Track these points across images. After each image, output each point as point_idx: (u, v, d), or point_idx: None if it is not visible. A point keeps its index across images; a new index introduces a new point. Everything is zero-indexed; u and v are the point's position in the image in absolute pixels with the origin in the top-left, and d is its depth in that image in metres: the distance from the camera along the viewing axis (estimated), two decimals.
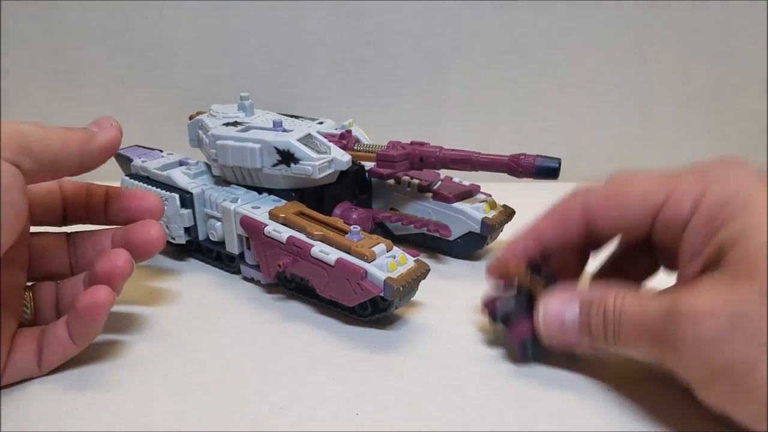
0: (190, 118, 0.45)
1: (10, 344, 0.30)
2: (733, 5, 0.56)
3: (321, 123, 0.43)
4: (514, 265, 0.31)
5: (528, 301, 0.31)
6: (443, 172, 0.43)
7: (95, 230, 0.35)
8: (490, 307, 0.32)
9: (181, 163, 0.44)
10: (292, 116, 0.44)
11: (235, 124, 0.41)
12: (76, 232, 0.35)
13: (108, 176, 0.50)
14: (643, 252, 0.32)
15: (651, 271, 0.33)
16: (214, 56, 0.58)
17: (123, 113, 0.60)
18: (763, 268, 0.23)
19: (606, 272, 0.33)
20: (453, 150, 0.40)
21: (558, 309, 0.29)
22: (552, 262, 0.32)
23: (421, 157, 0.40)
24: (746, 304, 0.22)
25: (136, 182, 0.42)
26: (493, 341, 0.33)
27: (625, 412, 0.28)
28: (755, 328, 0.22)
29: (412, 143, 0.41)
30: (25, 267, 0.32)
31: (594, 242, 0.32)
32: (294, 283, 0.38)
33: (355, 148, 0.41)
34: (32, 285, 0.33)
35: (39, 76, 0.59)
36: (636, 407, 0.28)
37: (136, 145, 0.48)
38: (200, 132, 0.43)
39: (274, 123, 0.40)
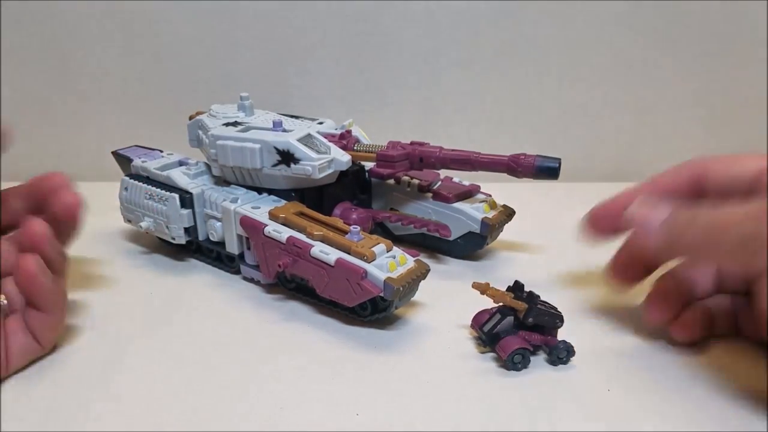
0: (190, 118, 0.45)
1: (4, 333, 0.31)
2: (733, 5, 0.56)
3: (321, 123, 0.43)
4: (490, 288, 0.31)
5: (512, 321, 0.32)
6: (443, 172, 0.43)
7: None
8: (476, 326, 0.33)
9: (181, 163, 0.44)
10: (292, 116, 0.44)
11: (235, 124, 0.41)
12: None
13: (108, 176, 0.50)
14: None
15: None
16: (214, 56, 0.58)
17: (123, 113, 0.61)
18: None
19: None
20: (453, 150, 0.40)
21: (646, 210, 0.30)
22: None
23: (421, 157, 0.40)
24: None
25: (136, 182, 0.42)
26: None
27: (625, 413, 0.28)
28: None
29: (412, 143, 0.41)
30: None
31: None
32: (294, 283, 0.38)
33: (355, 148, 0.41)
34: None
35: (39, 76, 0.59)
36: (636, 407, 0.28)
37: (136, 145, 0.48)
38: (200, 132, 0.43)
39: (274, 123, 0.40)
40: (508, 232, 0.43)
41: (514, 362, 0.31)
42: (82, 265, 0.42)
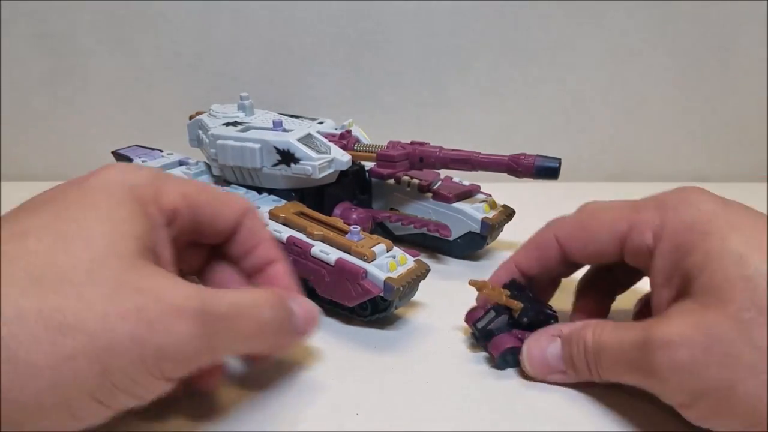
0: (190, 118, 0.45)
1: None
2: (733, 5, 0.56)
3: (321, 123, 0.43)
4: (487, 286, 0.31)
5: (507, 319, 0.31)
6: (443, 172, 0.43)
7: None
8: (470, 322, 0.33)
9: (181, 163, 0.44)
10: (292, 116, 0.44)
11: (235, 123, 0.41)
12: None
13: None
14: (618, 267, 0.32)
15: (628, 283, 0.34)
16: (214, 56, 0.58)
17: (123, 113, 0.61)
18: (730, 292, 0.23)
19: (587, 287, 0.34)
20: (453, 150, 0.40)
21: (541, 347, 0.30)
22: (532, 285, 0.33)
23: (421, 157, 0.40)
24: (718, 328, 0.23)
25: None
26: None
27: (625, 413, 0.28)
28: (729, 350, 0.23)
29: (412, 143, 0.41)
30: None
31: (570, 268, 0.33)
32: None
33: (355, 148, 0.41)
34: None
35: (39, 76, 0.58)
36: (637, 408, 0.28)
37: (136, 145, 0.48)
38: (200, 132, 0.43)
39: (274, 123, 0.40)
40: (508, 232, 0.43)
41: (505, 361, 0.31)
42: None
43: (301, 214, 0.37)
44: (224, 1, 0.56)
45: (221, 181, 0.42)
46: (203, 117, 0.43)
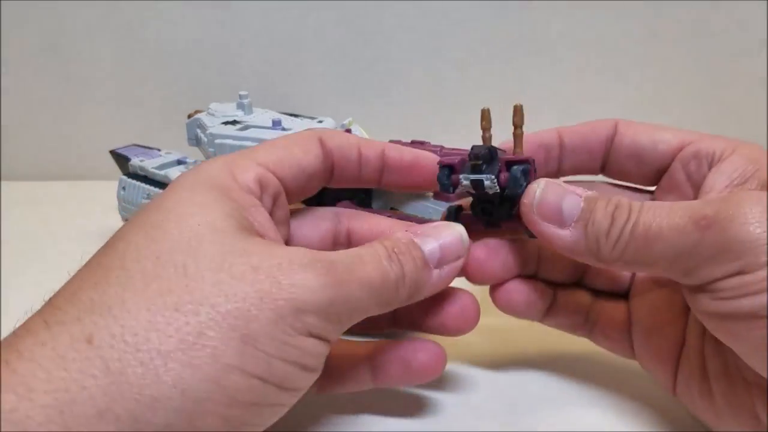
0: (189, 116, 0.44)
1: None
2: (733, 5, 0.55)
3: (321, 122, 0.43)
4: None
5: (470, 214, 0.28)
6: None
7: (347, 352, 0.27)
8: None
9: (179, 162, 0.44)
10: (291, 115, 0.44)
11: (233, 122, 0.41)
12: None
13: (106, 175, 0.50)
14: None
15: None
16: (212, 55, 0.58)
17: (121, 112, 0.60)
18: None
19: None
20: (454, 149, 0.40)
21: (557, 195, 0.24)
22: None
23: None
24: None
25: (134, 181, 0.42)
26: (493, 341, 0.33)
27: (626, 414, 0.28)
28: None
29: (412, 142, 0.41)
30: None
31: (606, 166, 0.29)
32: None
33: None
34: None
35: (37, 75, 0.58)
36: (638, 408, 0.28)
37: (134, 144, 0.48)
38: (199, 131, 0.42)
39: (273, 122, 0.40)
40: None
41: (518, 189, 0.25)
42: (80, 266, 0.42)
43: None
44: (224, 0, 0.56)
45: None
46: (202, 116, 0.43)
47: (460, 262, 0.25)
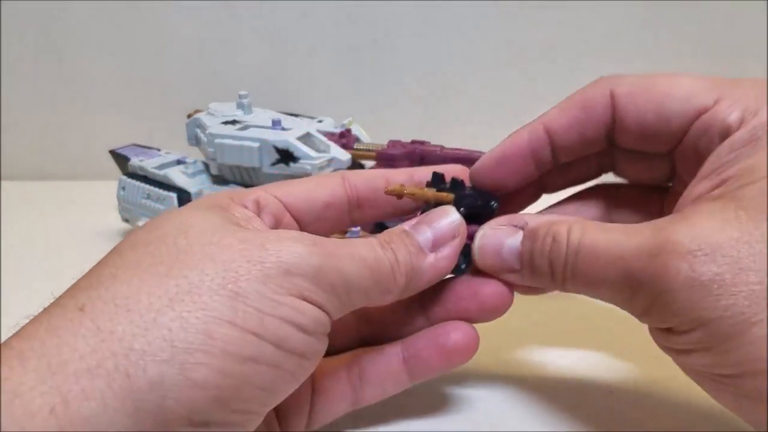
0: (189, 116, 0.44)
1: (310, 390, 0.25)
2: (733, 5, 0.55)
3: (320, 121, 0.43)
4: (404, 189, 0.26)
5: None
6: None
7: (379, 353, 0.26)
8: None
9: (179, 162, 0.44)
10: (291, 115, 0.44)
11: (233, 122, 0.41)
12: (360, 355, 0.26)
13: (106, 175, 0.50)
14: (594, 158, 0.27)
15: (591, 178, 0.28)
16: (212, 54, 0.58)
17: (121, 112, 0.60)
18: None
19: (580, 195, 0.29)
20: (454, 149, 0.40)
21: (498, 236, 0.24)
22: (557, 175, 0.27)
23: (422, 156, 0.40)
24: (762, 248, 0.18)
25: (134, 181, 0.42)
26: (493, 341, 0.33)
27: (628, 414, 0.28)
28: (763, 278, 0.18)
29: (412, 142, 0.41)
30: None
31: (606, 157, 0.27)
32: None
33: (355, 147, 0.41)
34: None
35: (37, 75, 0.58)
36: (637, 408, 0.28)
37: (134, 144, 0.48)
38: (198, 131, 0.42)
39: (273, 121, 0.40)
40: None
41: (459, 266, 0.25)
42: (80, 266, 0.42)
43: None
44: (223, 0, 0.56)
45: (220, 180, 0.42)
46: (201, 115, 0.43)
47: (457, 241, 0.24)
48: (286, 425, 0.24)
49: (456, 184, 0.26)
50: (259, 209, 0.24)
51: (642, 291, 0.20)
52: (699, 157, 0.23)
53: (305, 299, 0.20)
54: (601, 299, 0.22)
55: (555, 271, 0.23)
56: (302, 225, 0.26)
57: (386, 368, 0.25)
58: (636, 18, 0.56)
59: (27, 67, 0.58)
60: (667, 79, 0.23)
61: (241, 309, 0.18)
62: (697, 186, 0.21)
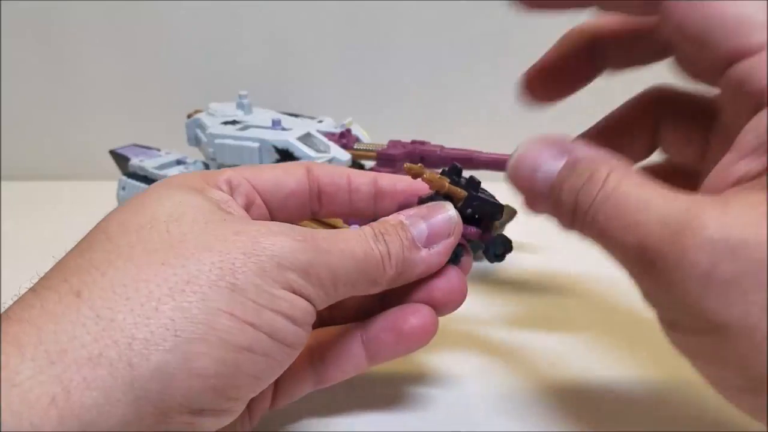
0: (188, 116, 0.44)
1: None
2: None
3: (320, 122, 0.43)
4: (425, 172, 0.25)
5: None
6: None
7: (339, 334, 0.26)
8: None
9: (179, 162, 0.44)
10: (291, 115, 0.44)
11: (233, 122, 0.41)
12: (321, 336, 0.26)
13: (106, 175, 0.50)
14: (644, 122, 0.26)
15: (643, 155, 0.26)
16: (212, 54, 0.58)
17: (121, 112, 0.60)
18: None
19: (619, 120, 0.27)
20: (454, 149, 0.40)
21: (538, 156, 0.22)
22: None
23: (422, 156, 0.40)
24: None
25: (134, 181, 0.42)
26: (493, 340, 0.33)
27: (628, 414, 0.28)
28: None
29: (412, 142, 0.41)
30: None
31: (650, 54, 0.24)
32: None
33: (355, 147, 0.41)
34: None
35: (37, 75, 0.58)
36: (639, 408, 0.28)
37: (134, 144, 0.48)
38: (198, 131, 0.42)
39: (273, 122, 0.40)
40: (510, 232, 0.43)
41: (451, 259, 0.25)
42: None
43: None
44: (223, 0, 0.56)
45: None
46: (201, 116, 0.43)
47: (451, 240, 0.25)
48: (252, 405, 0.24)
49: (472, 184, 0.26)
50: (231, 190, 0.24)
51: (653, 272, 0.18)
52: (736, 115, 0.19)
53: (296, 292, 0.20)
54: (613, 260, 0.20)
55: (577, 210, 0.20)
56: (270, 210, 0.26)
57: (346, 350, 0.26)
58: None
59: (27, 67, 0.58)
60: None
61: (240, 301, 0.19)
62: (737, 165, 0.18)
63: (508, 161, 0.23)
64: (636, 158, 0.25)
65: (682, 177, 0.24)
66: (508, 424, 0.27)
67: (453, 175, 0.26)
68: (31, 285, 0.20)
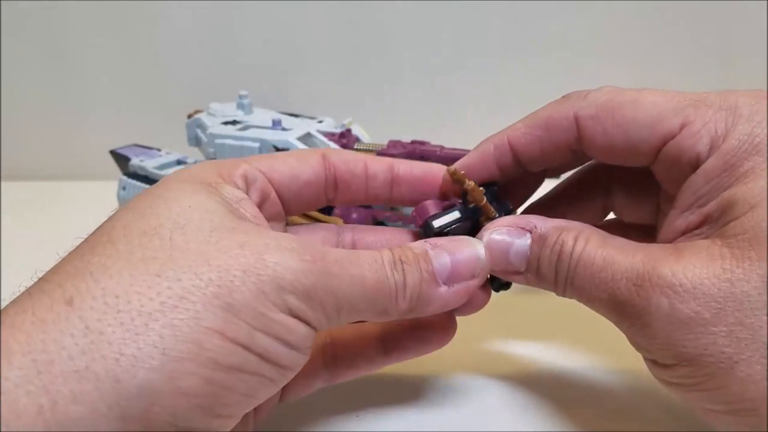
0: (189, 116, 0.44)
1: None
2: (733, 5, 0.55)
3: (320, 122, 0.43)
4: (466, 180, 0.25)
5: (469, 226, 0.26)
6: None
7: (355, 333, 0.26)
8: (422, 214, 0.26)
9: (179, 162, 0.44)
10: (291, 115, 0.44)
11: (233, 122, 0.41)
12: (337, 334, 0.26)
13: (106, 175, 0.50)
14: (595, 192, 0.27)
15: (598, 219, 0.28)
16: (212, 55, 0.58)
17: (121, 112, 0.60)
18: None
19: (542, 209, 0.27)
20: (454, 149, 0.40)
21: (505, 238, 0.24)
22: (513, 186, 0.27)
23: (422, 156, 0.40)
24: (743, 287, 0.18)
25: (134, 182, 0.42)
26: (493, 340, 0.33)
27: (627, 413, 0.28)
28: (746, 319, 0.18)
29: (412, 142, 0.41)
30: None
31: (573, 162, 0.26)
32: None
33: (355, 147, 0.41)
34: None
35: (37, 75, 0.58)
36: (639, 408, 0.28)
37: (134, 144, 0.48)
38: (199, 131, 0.42)
39: (273, 122, 0.40)
40: None
41: (495, 287, 0.26)
42: None
43: (305, 216, 0.37)
44: (223, 0, 0.56)
45: None
46: (202, 116, 0.43)
47: (474, 282, 0.23)
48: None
49: (504, 207, 0.26)
50: (247, 186, 0.24)
51: (627, 318, 0.21)
52: (674, 181, 0.22)
53: (295, 316, 0.20)
54: (598, 313, 0.23)
55: (558, 279, 0.23)
56: (284, 201, 0.25)
57: (362, 349, 0.26)
58: (636, 18, 0.56)
59: (27, 67, 0.58)
60: (632, 101, 0.23)
61: (233, 321, 0.18)
62: (680, 219, 0.22)
63: (475, 256, 0.23)
64: (591, 222, 0.26)
65: (637, 229, 0.27)
66: (517, 424, 0.27)
67: (489, 194, 0.26)
68: (30, 284, 0.19)
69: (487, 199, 0.25)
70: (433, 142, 0.40)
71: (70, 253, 0.20)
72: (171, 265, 0.18)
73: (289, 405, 0.28)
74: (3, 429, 0.15)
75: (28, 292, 0.19)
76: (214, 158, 0.40)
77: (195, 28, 0.57)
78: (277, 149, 0.38)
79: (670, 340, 0.20)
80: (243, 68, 0.58)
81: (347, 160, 0.26)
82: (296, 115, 0.44)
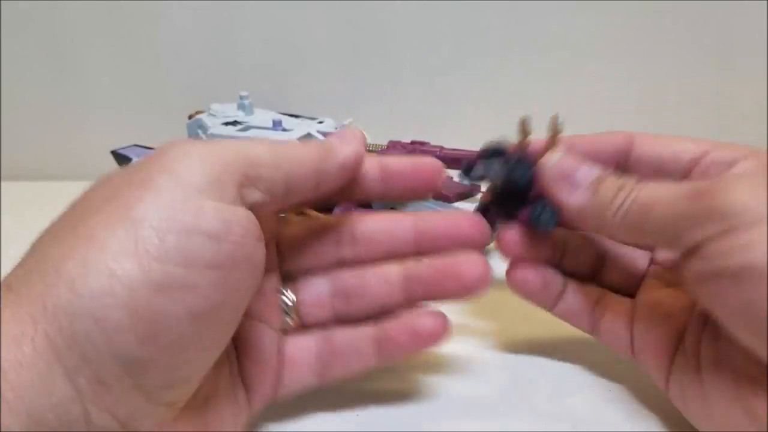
0: (190, 117, 0.44)
1: (277, 360, 0.25)
2: (733, 5, 0.55)
3: (321, 122, 0.43)
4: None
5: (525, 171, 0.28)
6: None
7: (350, 333, 0.27)
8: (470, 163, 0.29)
9: None
10: (291, 115, 0.44)
11: (234, 123, 0.41)
12: (333, 331, 0.27)
13: None
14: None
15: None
16: (213, 55, 0.58)
17: (122, 112, 0.60)
18: None
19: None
20: (453, 149, 0.40)
21: (574, 162, 0.26)
22: None
23: None
24: None
25: None
26: (493, 340, 0.33)
27: (627, 413, 0.28)
28: None
29: (412, 143, 0.41)
30: (275, 268, 0.26)
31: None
32: None
33: None
34: (294, 281, 0.27)
35: (38, 75, 0.58)
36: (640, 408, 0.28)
37: (135, 145, 0.48)
38: (199, 131, 0.42)
39: (274, 122, 0.40)
40: None
41: (546, 223, 0.27)
42: None
43: (302, 213, 0.37)
44: (224, 0, 0.56)
45: None
46: (202, 116, 0.43)
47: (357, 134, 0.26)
48: (252, 394, 0.24)
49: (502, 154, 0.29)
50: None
51: (701, 200, 0.21)
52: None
53: (210, 199, 0.19)
54: (653, 228, 0.23)
55: (616, 200, 0.24)
56: (275, 200, 0.24)
57: (357, 346, 0.26)
58: (636, 18, 0.56)
59: (27, 67, 0.58)
60: (672, 137, 0.28)
61: (141, 236, 0.17)
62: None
63: (546, 162, 0.27)
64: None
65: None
66: (517, 424, 0.27)
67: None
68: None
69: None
70: (433, 142, 0.41)
71: (42, 234, 0.21)
72: (86, 216, 0.19)
73: (288, 404, 0.28)
74: None
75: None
76: None
77: (195, 28, 0.57)
78: None
79: (745, 206, 0.20)
80: (243, 68, 0.58)
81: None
82: (296, 116, 0.44)
